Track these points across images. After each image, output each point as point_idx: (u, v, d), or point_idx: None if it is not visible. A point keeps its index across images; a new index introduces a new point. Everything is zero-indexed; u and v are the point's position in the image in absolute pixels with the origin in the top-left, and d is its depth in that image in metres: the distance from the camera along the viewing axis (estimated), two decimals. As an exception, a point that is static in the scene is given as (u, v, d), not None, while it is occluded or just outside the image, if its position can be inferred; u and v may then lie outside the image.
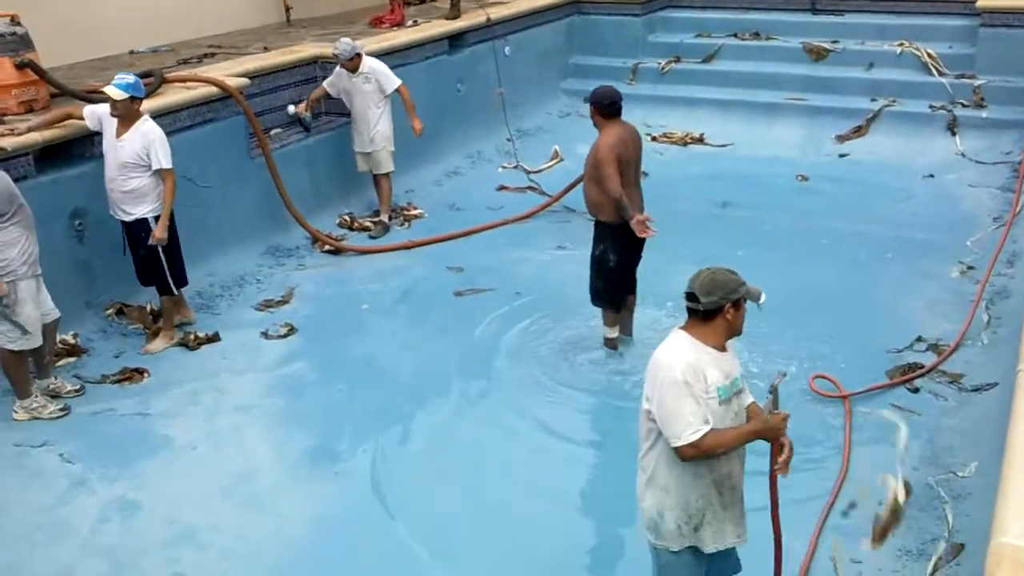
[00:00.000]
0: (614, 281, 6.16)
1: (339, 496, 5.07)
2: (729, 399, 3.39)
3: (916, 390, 5.78)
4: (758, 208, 9.15)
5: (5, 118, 6.47)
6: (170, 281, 6.40)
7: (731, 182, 9.82)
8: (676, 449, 3.30)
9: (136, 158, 6.08)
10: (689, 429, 3.26)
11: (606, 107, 5.97)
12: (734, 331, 3.45)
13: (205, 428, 5.64)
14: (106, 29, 8.93)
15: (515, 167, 10.10)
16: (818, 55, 11.37)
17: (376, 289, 7.44)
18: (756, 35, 11.90)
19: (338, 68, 8.22)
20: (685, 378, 3.27)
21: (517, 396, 5.94)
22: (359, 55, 8.11)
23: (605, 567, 4.66)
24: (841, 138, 10.61)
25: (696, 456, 3.32)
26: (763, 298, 3.44)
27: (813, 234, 8.43)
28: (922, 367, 5.99)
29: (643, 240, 6.04)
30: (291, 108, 8.41)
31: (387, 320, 7.02)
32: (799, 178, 9.84)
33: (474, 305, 7.10)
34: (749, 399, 3.56)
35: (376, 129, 8.27)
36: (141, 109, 6.22)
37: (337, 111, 8.68)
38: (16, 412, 5.61)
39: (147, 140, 6.09)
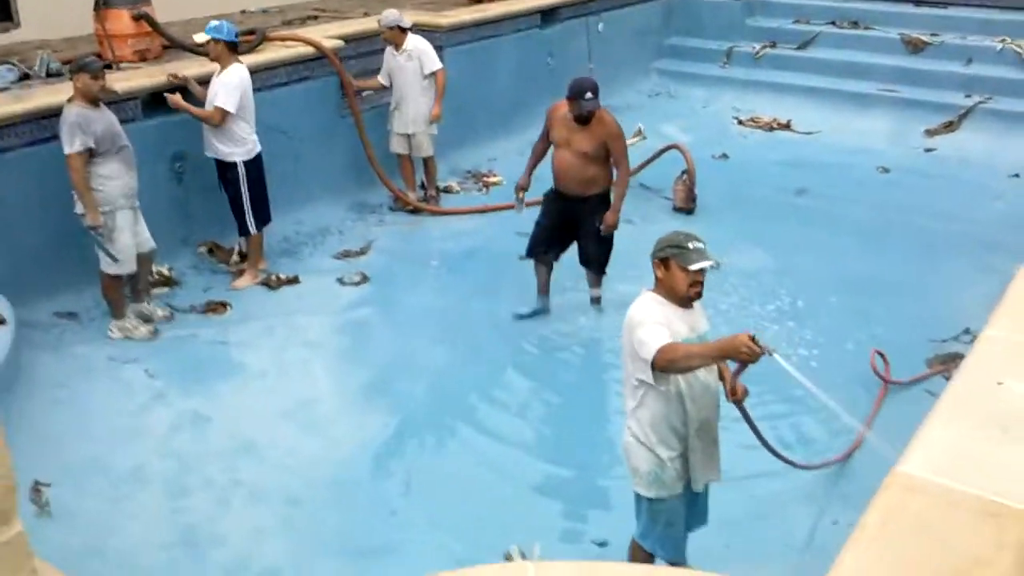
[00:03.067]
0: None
1: (386, 427, 5.55)
2: None
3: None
4: (834, 197, 9.19)
5: (120, 65, 7.12)
6: (249, 223, 6.93)
7: (811, 170, 9.87)
8: (653, 364, 3.52)
9: (214, 98, 6.62)
10: (656, 341, 3.51)
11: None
12: (668, 290, 3.69)
13: (276, 358, 6.18)
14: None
15: (598, 142, 10.34)
16: (916, 47, 11.27)
17: (447, 248, 7.88)
18: (855, 24, 11.82)
19: (387, 48, 8.17)
20: (643, 317, 3.61)
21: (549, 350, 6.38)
22: (401, 29, 8.01)
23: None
24: (930, 132, 10.51)
25: (668, 366, 3.52)
26: (705, 264, 3.60)
27: (885, 225, 8.46)
28: (962, 357, 6.07)
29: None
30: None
31: (452, 276, 7.44)
32: (880, 170, 9.85)
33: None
34: None
35: (418, 111, 8.16)
36: (241, 60, 6.77)
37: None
38: (111, 331, 6.25)
39: (219, 82, 6.62)
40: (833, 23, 11.93)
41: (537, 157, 6.64)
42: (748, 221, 8.58)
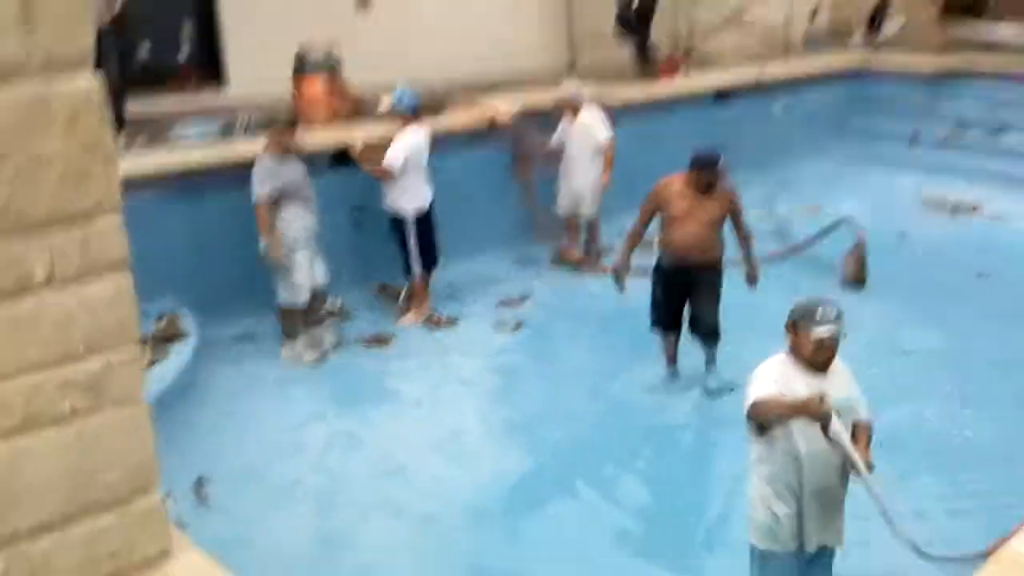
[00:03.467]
0: None
1: (522, 465, 5.73)
2: None
3: None
4: (1016, 284, 8.71)
5: (313, 124, 7.83)
6: (413, 267, 7.37)
7: (997, 255, 9.40)
8: (747, 415, 3.68)
9: None
10: (755, 394, 3.65)
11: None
12: (797, 354, 3.73)
13: (430, 392, 6.50)
14: (413, 59, 10.22)
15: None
16: (1116, 135, 10.67)
17: (604, 307, 7.93)
18: (1051, 110, 11.33)
19: (561, 122, 8.57)
20: (760, 373, 3.71)
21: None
22: (580, 103, 8.47)
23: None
24: None
25: (755, 415, 3.65)
26: (823, 331, 3.64)
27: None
28: None
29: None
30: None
31: (606, 335, 7.50)
32: (1070, 258, 9.28)
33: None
34: (857, 415, 3.82)
35: (586, 178, 8.50)
36: (421, 123, 7.31)
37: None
38: (284, 353, 6.76)
39: (393, 144, 7.14)
40: (1028, 109, 11.45)
41: (636, 239, 6.60)
42: (921, 300, 8.28)
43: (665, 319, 6.63)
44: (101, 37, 7.24)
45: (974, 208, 10.67)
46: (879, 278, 8.59)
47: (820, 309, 3.70)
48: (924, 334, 7.61)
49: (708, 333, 6.54)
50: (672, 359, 6.72)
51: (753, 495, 3.88)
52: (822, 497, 3.76)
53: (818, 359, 3.70)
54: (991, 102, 11.82)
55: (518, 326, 7.48)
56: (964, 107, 11.94)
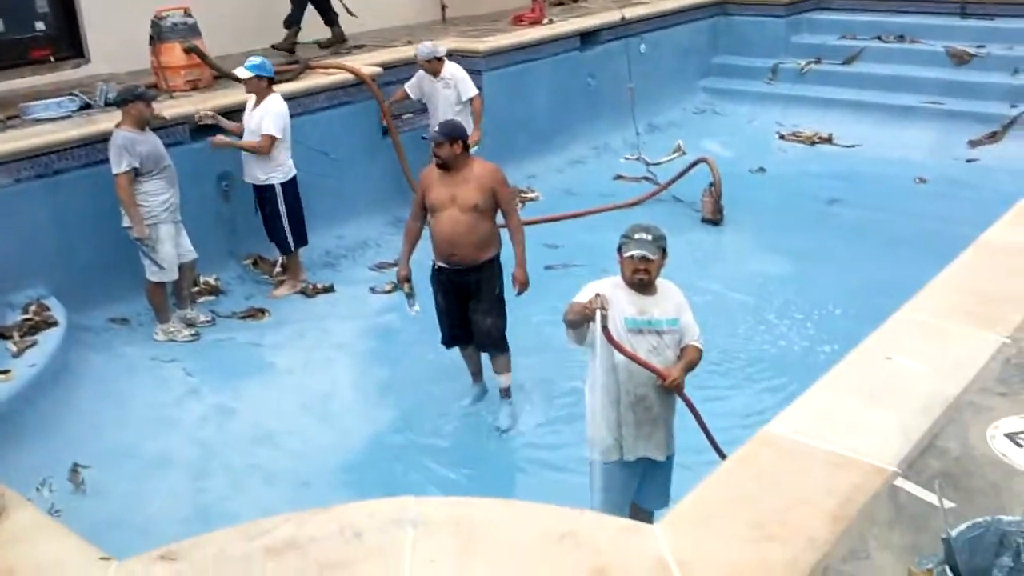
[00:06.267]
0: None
1: (394, 421, 6.00)
2: (640, 330, 4.03)
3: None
4: (865, 207, 9.32)
5: (173, 93, 7.81)
6: (289, 241, 7.47)
7: (847, 182, 10.00)
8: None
9: (258, 128, 7.15)
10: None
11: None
12: (624, 275, 4.09)
13: (303, 358, 6.69)
14: (276, 22, 10.17)
15: (637, 159, 10.66)
16: (961, 59, 11.30)
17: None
18: (900, 38, 11.92)
19: (420, 71, 8.53)
20: (587, 285, 4.09)
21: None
22: (439, 59, 8.39)
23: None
24: (974, 143, 10.53)
25: (565, 318, 4.06)
26: (635, 253, 3.96)
27: (913, 233, 8.54)
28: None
29: None
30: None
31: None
32: (917, 180, 9.92)
33: (559, 277, 7.79)
34: (687, 340, 4.15)
35: None
36: (275, 88, 7.32)
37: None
38: (156, 334, 6.84)
39: (264, 112, 7.17)
40: (879, 38, 12.05)
41: (413, 238, 5.80)
42: (773, 230, 8.82)
43: (449, 332, 5.93)
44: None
45: (829, 137, 11.23)
46: (737, 213, 9.08)
47: (637, 234, 4.05)
48: (772, 261, 8.15)
49: (487, 342, 5.85)
50: (477, 375, 6.10)
51: (586, 407, 4.21)
52: (639, 408, 4.09)
53: (634, 279, 4.05)
54: (843, 30, 12.37)
55: (393, 287, 7.66)
56: (818, 38, 12.47)
